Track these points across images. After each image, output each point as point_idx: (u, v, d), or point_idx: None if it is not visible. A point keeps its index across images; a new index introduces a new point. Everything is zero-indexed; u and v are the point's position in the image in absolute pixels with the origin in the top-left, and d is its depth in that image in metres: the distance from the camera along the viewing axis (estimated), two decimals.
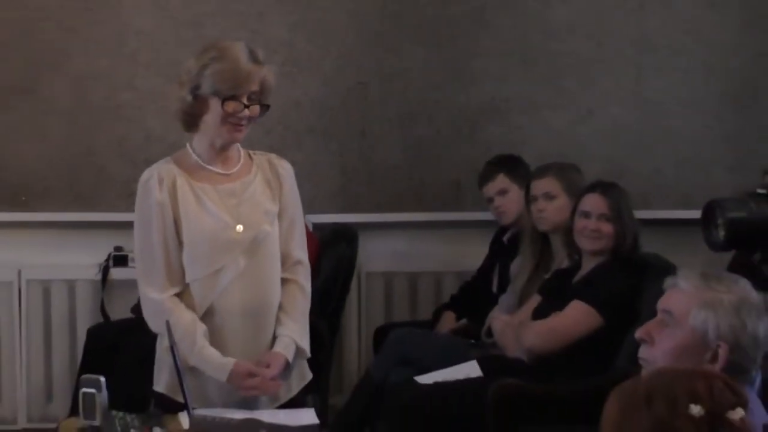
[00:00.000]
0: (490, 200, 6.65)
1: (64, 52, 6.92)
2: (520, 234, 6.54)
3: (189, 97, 4.33)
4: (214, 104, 4.29)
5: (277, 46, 6.80)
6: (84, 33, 6.92)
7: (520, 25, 7.18)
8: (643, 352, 3.70)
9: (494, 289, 6.64)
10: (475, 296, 6.79)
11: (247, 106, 4.30)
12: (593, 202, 5.75)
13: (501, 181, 6.61)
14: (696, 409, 2.62)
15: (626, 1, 7.20)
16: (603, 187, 5.82)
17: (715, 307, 3.61)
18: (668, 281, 3.76)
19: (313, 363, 4.75)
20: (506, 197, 6.60)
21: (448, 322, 6.75)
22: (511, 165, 6.65)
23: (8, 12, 6.86)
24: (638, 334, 3.76)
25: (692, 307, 3.64)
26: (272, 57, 6.36)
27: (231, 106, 4.27)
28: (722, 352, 3.56)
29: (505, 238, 6.75)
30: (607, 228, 5.69)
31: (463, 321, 6.72)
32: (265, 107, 4.38)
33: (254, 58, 4.31)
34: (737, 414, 2.63)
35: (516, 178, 6.58)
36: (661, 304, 3.72)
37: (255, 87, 4.31)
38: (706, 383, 2.71)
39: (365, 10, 7.11)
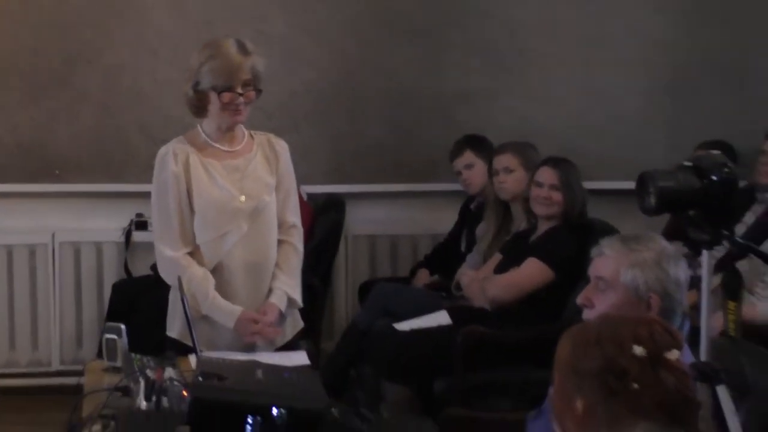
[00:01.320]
0: (459, 173, 6.67)
1: (95, 48, 6.89)
2: (485, 202, 6.55)
3: (191, 92, 4.37)
4: (213, 96, 4.33)
5: (278, 43, 6.78)
6: (112, 32, 6.89)
7: (487, 25, 7.16)
8: (586, 315, 3.70)
9: (463, 249, 6.65)
10: (446, 256, 6.80)
11: (241, 94, 4.30)
12: (545, 174, 5.84)
13: (468, 156, 6.63)
14: (639, 350, 2.62)
15: (578, 3, 7.19)
16: (554, 162, 5.91)
17: (640, 264, 3.62)
18: (594, 250, 3.77)
19: (306, 313, 4.77)
20: (472, 171, 6.62)
21: (423, 278, 6.78)
22: (476, 143, 6.67)
23: (48, 14, 6.83)
24: (578, 300, 3.78)
25: (621, 269, 3.65)
26: (273, 52, 6.39)
27: (227, 96, 4.30)
28: (654, 301, 3.57)
29: (472, 206, 6.77)
30: (557, 196, 5.77)
31: (436, 277, 6.74)
32: (258, 91, 4.37)
33: (243, 50, 4.32)
34: (673, 354, 2.63)
35: (481, 154, 6.60)
36: (593, 271, 3.74)
37: (246, 76, 4.31)
38: (648, 328, 2.71)
39: (354, 12, 7.09)
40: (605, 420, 2.56)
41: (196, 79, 4.34)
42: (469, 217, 6.77)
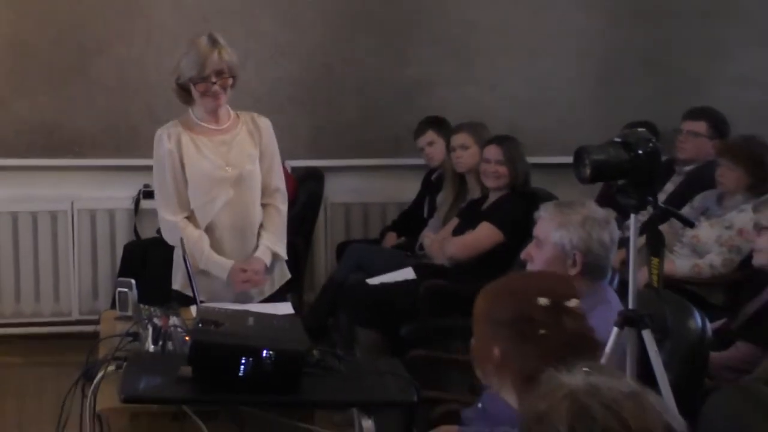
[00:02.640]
0: (422, 149, 6.66)
1: (107, 41, 6.86)
2: (444, 174, 6.55)
3: (175, 86, 4.40)
4: (192, 87, 4.33)
5: (266, 38, 6.77)
6: (122, 27, 6.85)
7: (444, 22, 7.14)
8: (529, 267, 3.73)
9: (425, 215, 6.65)
10: (411, 221, 6.80)
11: (214, 83, 4.29)
12: (492, 151, 5.86)
13: (430, 135, 6.62)
14: (543, 300, 2.64)
15: (522, 4, 7.18)
16: (499, 140, 5.94)
17: (566, 225, 3.64)
18: (536, 214, 3.80)
19: (291, 268, 4.77)
20: (434, 147, 6.61)
21: (391, 239, 6.77)
22: (437, 124, 6.66)
23: (66, 12, 6.78)
24: (522, 256, 3.83)
25: (551, 230, 3.67)
26: (261, 45, 6.40)
27: (201, 87, 4.31)
28: (578, 258, 3.60)
29: (432, 177, 6.76)
30: (503, 170, 5.80)
31: (403, 239, 6.73)
32: (233, 77, 4.35)
33: (213, 43, 4.29)
34: (573, 303, 2.69)
35: (441, 133, 6.59)
36: (534, 231, 3.76)
37: (218, 66, 4.28)
38: (550, 281, 2.78)
39: (331, 11, 7.05)
40: (519, 362, 2.58)
41: (177, 74, 4.35)
42: (430, 187, 6.76)
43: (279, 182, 4.56)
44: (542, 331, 2.64)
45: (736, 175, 5.56)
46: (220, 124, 4.45)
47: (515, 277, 2.91)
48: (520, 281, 2.80)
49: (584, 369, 2.07)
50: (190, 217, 4.42)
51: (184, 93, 4.39)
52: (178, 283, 4.46)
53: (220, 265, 4.38)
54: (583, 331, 2.69)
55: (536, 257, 3.72)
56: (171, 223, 4.40)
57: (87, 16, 6.81)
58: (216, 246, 4.41)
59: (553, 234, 3.67)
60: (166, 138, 4.38)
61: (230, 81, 4.34)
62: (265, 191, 4.51)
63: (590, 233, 3.63)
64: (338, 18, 7.09)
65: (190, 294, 4.14)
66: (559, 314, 2.67)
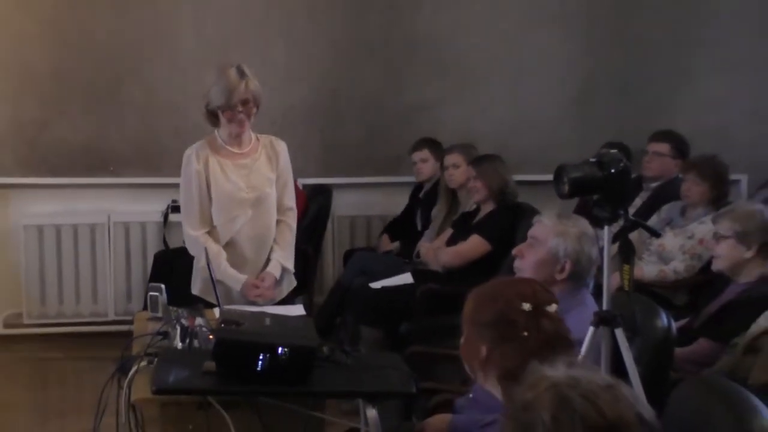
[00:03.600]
0: (414, 163, 6.70)
1: (138, 69, 6.86)
2: (431, 189, 6.62)
3: (204, 110, 4.36)
4: (219, 114, 4.31)
5: (279, 66, 6.77)
6: (151, 56, 6.86)
7: (438, 52, 7.14)
8: (517, 264, 3.76)
9: (419, 228, 6.65)
10: (401, 226, 6.85)
11: (240, 111, 4.27)
12: (469, 171, 5.97)
13: (425, 152, 6.65)
14: (526, 305, 2.66)
15: (508, 34, 7.19)
16: (476, 160, 6.01)
17: (565, 236, 3.63)
18: (536, 218, 3.81)
19: (302, 274, 4.79)
20: (426, 164, 6.65)
21: (386, 241, 6.82)
22: (433, 144, 6.68)
23: (102, 43, 6.79)
24: (514, 251, 3.83)
25: (550, 235, 3.67)
26: (275, 72, 6.40)
27: (228, 114, 4.29)
28: (568, 266, 3.60)
29: (420, 195, 6.79)
30: (478, 185, 5.87)
31: (397, 243, 6.74)
32: (257, 105, 4.32)
33: (241, 74, 4.26)
34: (552, 308, 2.71)
35: (434, 153, 6.63)
36: (530, 232, 3.77)
37: (245, 96, 4.25)
38: (531, 288, 2.77)
39: (338, 42, 7.06)
40: (503, 360, 2.60)
41: (207, 100, 4.32)
42: (418, 202, 6.79)
43: (291, 202, 4.55)
44: (524, 333, 2.66)
45: (702, 189, 5.59)
46: (242, 147, 4.43)
47: (500, 283, 2.92)
48: (504, 287, 2.81)
49: (565, 363, 2.08)
50: (211, 232, 4.41)
51: (213, 117, 4.37)
52: (196, 288, 4.46)
53: (235, 278, 4.37)
54: (560, 333, 2.71)
55: (528, 255, 3.73)
56: (193, 237, 4.39)
57: (120, 47, 6.82)
58: (236, 257, 4.40)
59: (551, 240, 3.68)
60: (194, 158, 4.36)
61: (254, 110, 4.32)
62: (279, 209, 4.50)
63: (583, 247, 3.64)
64: (344, 49, 7.10)
65: (209, 299, 4.18)
66: (539, 318, 2.69)
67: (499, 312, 2.68)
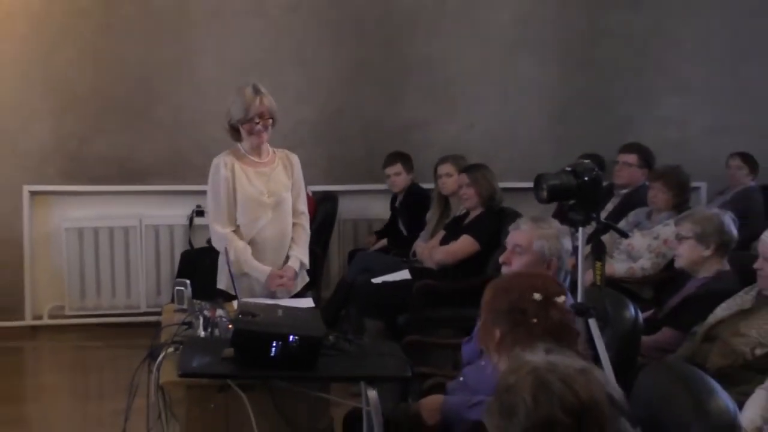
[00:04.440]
0: (388, 176, 6.70)
1: (167, 92, 6.89)
2: (404, 199, 6.67)
3: (227, 126, 4.37)
4: (240, 128, 4.31)
5: (290, 87, 6.76)
6: (178, 80, 6.89)
7: (432, 74, 7.18)
8: (504, 270, 3.71)
9: (405, 233, 6.64)
10: (389, 230, 6.87)
11: (257, 123, 4.28)
12: (462, 178, 5.90)
13: (397, 167, 6.67)
14: (537, 296, 2.64)
15: (494, 60, 7.20)
16: (467, 168, 5.98)
17: (547, 237, 3.62)
18: (512, 226, 3.78)
19: (312, 271, 4.76)
20: (399, 177, 6.68)
21: (372, 241, 6.89)
22: (405, 158, 6.70)
23: (134, 70, 6.83)
24: (501, 259, 3.79)
25: (533, 239, 3.65)
26: (287, 94, 6.37)
27: (247, 126, 4.29)
28: (553, 263, 3.58)
29: (397, 204, 6.78)
30: (470, 191, 5.83)
31: (384, 240, 6.77)
32: (273, 119, 4.34)
33: (256, 92, 4.29)
34: (560, 299, 2.68)
35: (406, 166, 6.68)
36: (511, 239, 3.74)
37: (261, 110, 4.27)
38: (542, 281, 2.75)
39: (342, 67, 7.08)
40: (513, 343, 2.57)
41: (228, 117, 4.33)
42: (397, 211, 6.79)
43: (304, 207, 4.54)
44: (534, 320, 2.64)
45: (666, 197, 5.59)
46: (262, 158, 4.42)
47: (516, 275, 2.91)
48: (519, 279, 2.79)
49: (544, 349, 2.06)
50: (236, 231, 4.39)
51: (235, 132, 4.36)
52: (222, 283, 4.43)
53: (260, 270, 4.35)
54: (565, 322, 2.69)
55: (515, 262, 3.70)
56: (221, 234, 4.36)
57: (150, 72, 6.84)
58: (258, 254, 4.38)
59: (536, 243, 3.66)
60: (223, 166, 4.35)
61: (270, 122, 4.32)
62: (294, 213, 4.49)
63: (562, 243, 3.63)
64: (347, 72, 7.11)
65: (232, 292, 4.14)
66: (548, 307, 2.67)
67: (513, 301, 2.67)
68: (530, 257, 3.65)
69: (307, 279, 4.62)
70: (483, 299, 2.79)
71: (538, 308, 2.66)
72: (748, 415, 3.38)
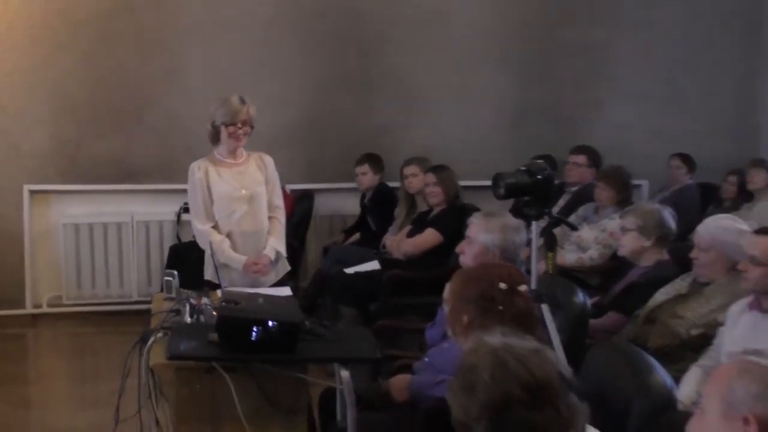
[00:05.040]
0: (356, 175, 6.67)
1: (157, 99, 6.82)
2: (372, 196, 6.62)
3: (210, 127, 4.38)
4: (223, 129, 4.32)
5: (272, 95, 6.70)
6: (168, 88, 6.82)
7: (400, 83, 7.15)
8: (461, 260, 3.73)
9: (374, 228, 6.60)
10: (360, 225, 6.80)
11: (240, 128, 4.31)
12: (429, 178, 5.89)
13: (366, 167, 6.64)
14: (503, 285, 2.64)
15: (457, 71, 7.20)
16: (434, 168, 5.96)
17: (490, 230, 3.64)
18: (469, 220, 3.80)
19: (290, 262, 4.74)
20: (366, 176, 6.64)
21: (340, 238, 6.84)
22: (374, 159, 6.67)
23: (129, 78, 6.76)
24: (457, 249, 3.83)
25: (480, 232, 3.67)
26: (268, 100, 6.32)
27: (230, 129, 4.31)
28: (497, 254, 3.59)
29: (365, 201, 6.74)
30: (437, 190, 5.79)
31: (357, 235, 6.74)
32: (252, 127, 4.37)
33: (242, 101, 4.32)
34: (523, 288, 2.70)
35: (374, 167, 6.63)
36: (467, 233, 3.76)
37: (244, 116, 4.31)
38: (508, 271, 2.75)
39: (319, 76, 7.03)
40: (480, 327, 2.57)
41: (213, 119, 4.34)
42: (365, 207, 6.74)
43: (279, 202, 4.53)
44: (500, 308, 2.64)
45: (610, 194, 5.61)
46: (236, 160, 4.43)
47: (484, 266, 2.91)
48: (487, 270, 2.80)
49: (501, 332, 2.06)
50: (216, 226, 4.38)
51: (215, 135, 4.37)
52: (208, 274, 4.41)
53: (237, 260, 4.35)
54: (528, 309, 2.70)
55: (467, 252, 3.73)
56: (201, 231, 4.38)
57: (142, 81, 6.78)
58: (236, 246, 4.38)
59: (480, 236, 3.67)
60: (197, 170, 4.37)
61: (249, 130, 4.35)
62: (270, 208, 4.48)
63: (506, 237, 3.64)
64: (324, 82, 7.07)
65: (217, 282, 4.12)
66: (513, 296, 2.67)
67: (483, 290, 2.67)
68: (477, 248, 3.67)
69: (288, 267, 4.61)
70: (451, 287, 2.79)
71: (504, 296, 2.67)
72: (685, 390, 3.40)
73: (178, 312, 3.62)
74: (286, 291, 4.20)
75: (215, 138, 4.39)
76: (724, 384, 1.56)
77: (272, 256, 4.42)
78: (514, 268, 2.87)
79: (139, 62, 6.78)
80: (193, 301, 3.62)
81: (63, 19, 6.66)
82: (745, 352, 1.63)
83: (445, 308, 2.79)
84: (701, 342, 3.71)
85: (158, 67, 6.82)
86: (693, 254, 3.96)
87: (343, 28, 7.09)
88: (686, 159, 7.03)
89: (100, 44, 6.73)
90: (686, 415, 1.69)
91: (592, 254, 5.45)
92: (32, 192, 6.71)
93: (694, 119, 7.51)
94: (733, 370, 1.57)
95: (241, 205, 4.37)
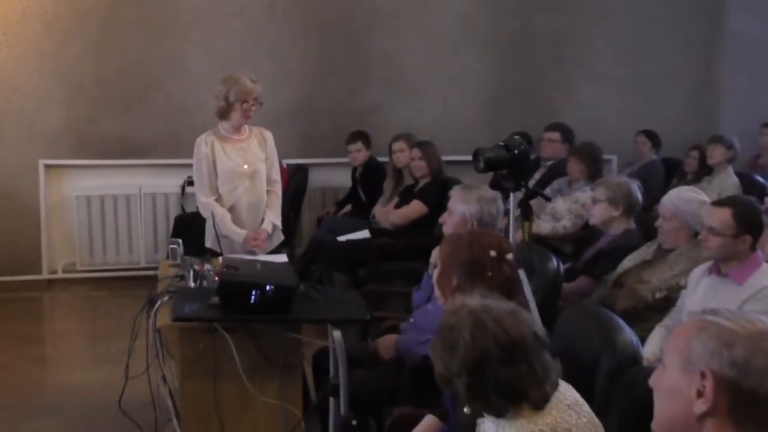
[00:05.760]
0: (350, 152, 6.60)
1: (162, 80, 6.78)
2: (363, 171, 6.57)
3: (223, 103, 4.29)
4: (237, 106, 4.26)
5: (267, 76, 6.53)
6: (172, 71, 6.79)
7: (387, 66, 7.11)
8: (443, 228, 3.71)
9: (364, 200, 6.55)
10: (351, 197, 6.76)
11: (252, 105, 4.26)
12: (414, 152, 5.82)
13: (358, 144, 6.57)
14: (493, 252, 2.62)
15: (440, 54, 7.17)
16: (419, 144, 5.88)
17: (467, 201, 3.62)
18: (450, 192, 3.79)
19: (285, 232, 4.71)
20: (359, 153, 6.56)
21: (333, 209, 6.79)
22: (363, 136, 6.60)
23: (133, 58, 6.71)
24: (440, 220, 3.80)
25: (458, 204, 3.65)
26: (265, 81, 6.17)
27: (245, 106, 4.26)
28: (474, 222, 3.57)
29: (357, 175, 6.69)
30: (422, 164, 5.74)
31: (348, 206, 6.71)
32: (260, 104, 4.32)
33: (252, 81, 4.28)
34: (510, 256, 2.67)
35: (365, 144, 6.57)
36: (448, 204, 3.75)
37: (255, 95, 4.27)
38: (497, 240, 2.73)
39: (311, 59, 6.99)
40: (469, 291, 2.55)
41: (227, 95, 4.26)
42: (357, 181, 6.69)
43: (277, 176, 4.49)
44: (489, 273, 2.62)
45: (581, 167, 5.60)
46: (240, 135, 4.37)
47: (475, 233, 2.87)
48: (478, 237, 2.76)
49: (480, 295, 2.06)
50: (219, 199, 4.33)
51: (226, 110, 4.29)
52: (209, 242, 4.37)
53: (237, 233, 4.30)
54: (514, 277, 2.68)
55: (448, 222, 3.71)
56: (205, 203, 4.32)
57: (148, 64, 6.74)
58: (237, 218, 4.34)
59: (459, 207, 3.66)
60: (203, 144, 4.31)
61: (257, 106, 4.31)
62: (268, 182, 4.44)
63: (482, 207, 3.62)
64: (316, 64, 7.03)
65: (218, 250, 4.10)
66: (501, 263, 2.65)
67: (474, 255, 2.64)
68: (456, 218, 3.66)
69: (282, 237, 4.58)
70: (443, 250, 2.75)
71: (493, 263, 2.65)
72: (649, 347, 3.41)
73: (182, 277, 3.60)
74: (282, 258, 4.18)
75: (225, 114, 4.31)
76: (684, 341, 1.56)
77: (269, 230, 4.39)
78: (503, 238, 2.85)
79: (143, 47, 6.73)
80: (196, 267, 3.60)
81: (72, 8, 6.61)
82: (704, 311, 1.62)
83: (433, 272, 2.77)
84: (665, 304, 3.72)
85: (161, 52, 6.77)
86: (658, 223, 3.96)
87: (334, 15, 7.05)
88: (651, 135, 7.03)
89: (107, 31, 6.68)
90: (650, 371, 1.69)
91: (566, 224, 5.45)
92: (47, 166, 6.68)
93: (659, 99, 7.52)
94: (692, 328, 1.57)
95: (243, 181, 4.32)
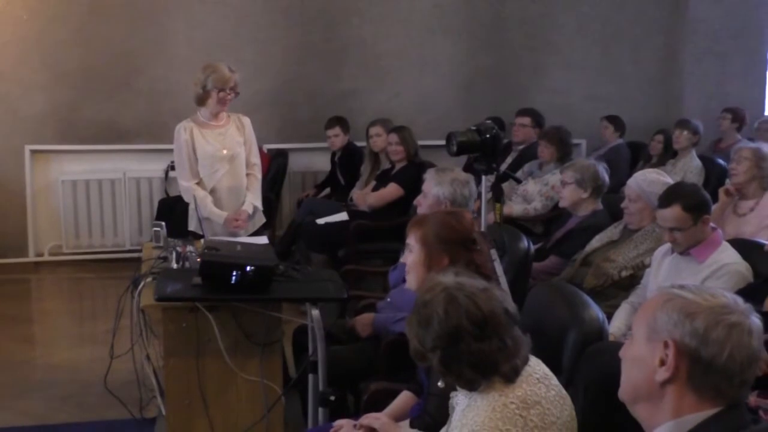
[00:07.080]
0: (329, 137, 6.56)
1: (145, 66, 6.72)
2: (342, 155, 6.54)
3: (200, 90, 4.26)
4: (214, 93, 4.22)
5: (248, 64, 6.58)
6: (155, 57, 6.73)
7: (364, 52, 7.08)
8: (418, 210, 3.71)
9: (343, 183, 6.53)
10: (330, 180, 6.73)
11: (228, 93, 4.23)
12: (391, 137, 5.78)
13: (336, 130, 6.53)
14: (477, 230, 2.63)
15: (415, 41, 7.15)
16: (396, 129, 5.85)
17: (440, 183, 3.62)
18: (424, 176, 3.79)
19: (266, 214, 4.69)
20: (337, 138, 6.53)
21: (312, 193, 6.74)
22: (341, 121, 6.57)
23: (117, 45, 6.65)
24: (414, 202, 3.80)
25: (431, 186, 3.65)
26: (246, 69, 6.17)
27: (221, 94, 4.22)
28: (447, 205, 3.57)
29: (336, 159, 6.65)
30: (399, 148, 5.71)
31: (327, 189, 6.69)
32: (237, 93, 4.29)
33: (230, 70, 4.24)
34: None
35: (343, 129, 6.54)
36: (423, 187, 3.75)
37: (232, 84, 4.23)
38: (462, 214, 2.72)
39: (290, 46, 6.95)
40: (464, 267, 2.53)
41: (204, 83, 4.23)
42: (336, 165, 6.66)
43: (256, 159, 4.46)
44: (478, 248, 2.62)
45: (550, 151, 5.61)
46: (218, 122, 4.34)
47: (459, 212, 2.80)
48: (463, 216, 2.72)
49: (453, 272, 2.06)
50: (200, 183, 4.30)
51: (204, 97, 4.26)
52: (192, 225, 4.36)
53: (218, 215, 4.28)
54: (489, 255, 2.69)
55: (423, 204, 3.71)
56: (186, 187, 4.30)
57: (131, 50, 6.68)
58: (218, 201, 4.31)
59: (433, 189, 3.66)
60: (183, 131, 4.28)
61: (235, 95, 4.28)
62: (247, 165, 4.41)
63: (455, 189, 3.62)
64: (295, 50, 6.98)
65: (200, 232, 4.09)
66: (485, 241, 2.66)
67: (459, 235, 2.62)
68: (431, 200, 3.66)
69: (263, 219, 4.56)
70: (424, 231, 2.65)
71: (482, 240, 2.66)
72: (616, 323, 3.45)
73: (165, 259, 3.59)
74: (263, 240, 4.17)
75: (202, 101, 4.28)
76: (651, 312, 1.60)
77: (250, 211, 4.36)
78: (467, 213, 2.84)
79: (127, 33, 6.67)
80: (179, 249, 3.59)
81: None
82: (672, 286, 1.65)
83: (409, 253, 2.71)
84: (630, 282, 3.75)
85: (145, 38, 6.71)
86: (623, 204, 3.98)
87: (313, 3, 7.00)
88: (613, 120, 7.04)
89: (91, 17, 6.60)
90: (615, 345, 1.71)
91: (536, 205, 5.47)
92: (33, 151, 6.61)
93: (626, 84, 7.54)
94: (659, 300, 1.61)
95: (223, 164, 4.29)
